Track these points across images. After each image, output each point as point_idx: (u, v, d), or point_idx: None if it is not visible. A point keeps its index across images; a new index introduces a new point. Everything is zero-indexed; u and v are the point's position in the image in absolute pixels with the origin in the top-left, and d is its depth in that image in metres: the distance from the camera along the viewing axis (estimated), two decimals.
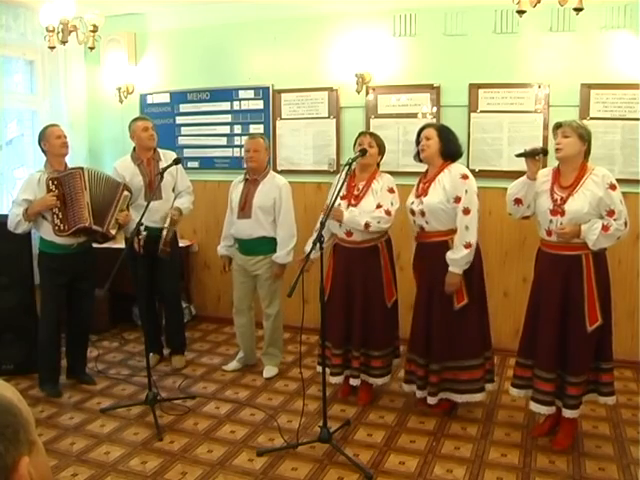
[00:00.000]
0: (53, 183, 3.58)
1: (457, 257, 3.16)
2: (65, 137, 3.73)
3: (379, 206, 3.40)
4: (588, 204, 2.85)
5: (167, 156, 4.11)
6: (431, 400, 3.35)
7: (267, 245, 3.90)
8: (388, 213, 3.40)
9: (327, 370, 3.51)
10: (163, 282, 4.19)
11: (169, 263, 4.10)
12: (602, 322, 2.91)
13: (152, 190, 3.95)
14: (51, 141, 3.66)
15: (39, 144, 3.73)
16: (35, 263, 3.90)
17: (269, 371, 4.05)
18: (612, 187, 2.85)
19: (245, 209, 3.88)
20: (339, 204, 3.43)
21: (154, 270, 4.07)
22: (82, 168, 3.71)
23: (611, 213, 2.84)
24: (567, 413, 2.99)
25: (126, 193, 3.81)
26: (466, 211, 3.17)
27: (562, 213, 2.90)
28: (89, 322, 3.97)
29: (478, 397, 3.36)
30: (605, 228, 2.82)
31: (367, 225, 3.37)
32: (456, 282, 3.19)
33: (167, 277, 4.18)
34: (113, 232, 3.76)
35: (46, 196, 3.57)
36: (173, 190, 4.15)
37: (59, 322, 3.77)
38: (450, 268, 3.19)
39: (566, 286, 2.94)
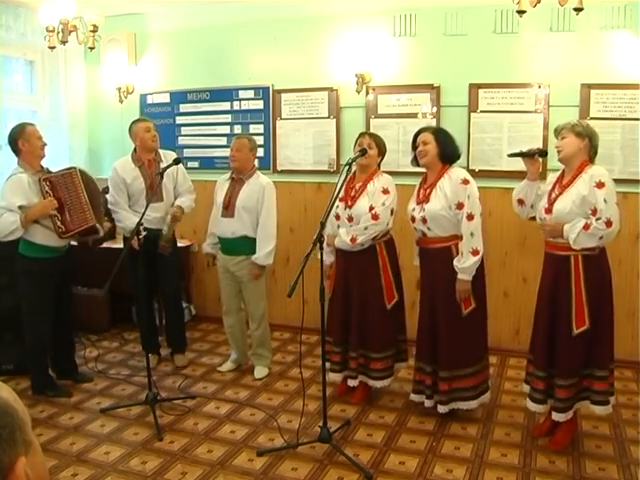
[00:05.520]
0: (47, 185, 3.46)
1: (466, 265, 3.14)
2: (43, 138, 3.58)
3: (371, 208, 3.37)
4: (571, 202, 2.83)
5: (168, 157, 4.08)
6: (442, 409, 3.29)
7: (249, 245, 3.86)
8: (376, 217, 3.35)
9: (328, 365, 3.50)
10: (164, 282, 4.19)
11: (170, 263, 4.11)
12: (589, 327, 2.85)
13: (154, 192, 3.93)
14: (32, 141, 3.47)
15: (14, 143, 3.48)
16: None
17: (260, 372, 4.04)
18: (599, 185, 2.78)
19: (229, 208, 3.87)
20: (337, 206, 3.43)
21: (154, 270, 4.06)
22: (75, 168, 3.62)
23: (594, 212, 2.79)
24: (555, 416, 2.97)
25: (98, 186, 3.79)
26: (470, 217, 3.14)
27: (552, 212, 2.92)
28: (73, 322, 3.95)
29: (476, 402, 3.31)
30: (586, 227, 2.78)
31: (353, 240, 3.36)
32: (467, 289, 3.19)
33: (168, 277, 4.18)
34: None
35: (45, 201, 3.44)
36: (174, 190, 4.15)
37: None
38: (459, 276, 3.17)
39: (555, 286, 2.94)
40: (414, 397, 3.45)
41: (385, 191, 3.41)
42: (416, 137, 3.33)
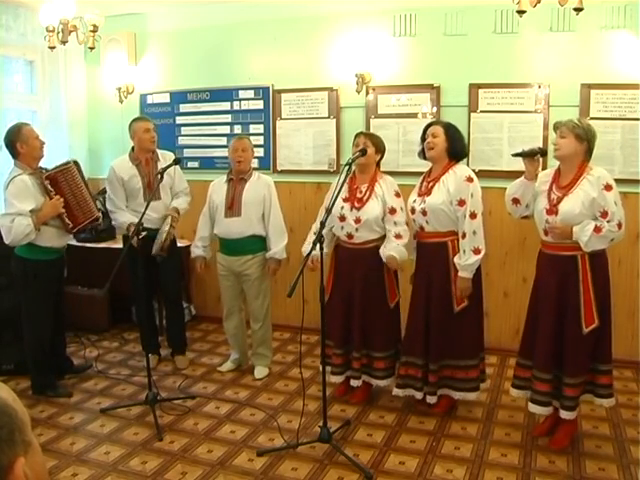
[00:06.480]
0: (49, 183, 3.44)
1: (467, 263, 3.16)
2: (41, 136, 3.53)
3: (393, 210, 3.38)
4: (580, 204, 2.82)
5: (165, 157, 4.09)
6: (431, 399, 3.34)
7: (256, 244, 3.88)
8: (407, 224, 3.43)
9: (328, 369, 3.51)
10: (164, 282, 4.19)
11: (170, 263, 4.11)
12: (599, 324, 2.87)
13: (151, 191, 3.92)
14: (31, 142, 3.41)
15: (12, 145, 3.40)
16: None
17: (260, 372, 4.04)
18: (607, 188, 2.80)
19: (234, 208, 3.86)
20: (342, 207, 3.43)
21: (155, 270, 4.06)
22: (70, 161, 3.61)
23: (604, 214, 2.79)
24: (564, 414, 2.97)
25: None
26: (473, 215, 3.16)
27: (557, 213, 2.89)
28: (66, 320, 3.96)
29: (472, 396, 3.38)
30: (597, 229, 2.78)
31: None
32: (468, 286, 3.20)
33: (168, 277, 4.17)
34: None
35: (52, 201, 3.43)
36: (170, 190, 4.15)
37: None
38: (460, 273, 3.19)
39: (562, 287, 2.93)
40: (399, 392, 3.43)
41: (397, 194, 3.45)
42: (426, 129, 3.35)
